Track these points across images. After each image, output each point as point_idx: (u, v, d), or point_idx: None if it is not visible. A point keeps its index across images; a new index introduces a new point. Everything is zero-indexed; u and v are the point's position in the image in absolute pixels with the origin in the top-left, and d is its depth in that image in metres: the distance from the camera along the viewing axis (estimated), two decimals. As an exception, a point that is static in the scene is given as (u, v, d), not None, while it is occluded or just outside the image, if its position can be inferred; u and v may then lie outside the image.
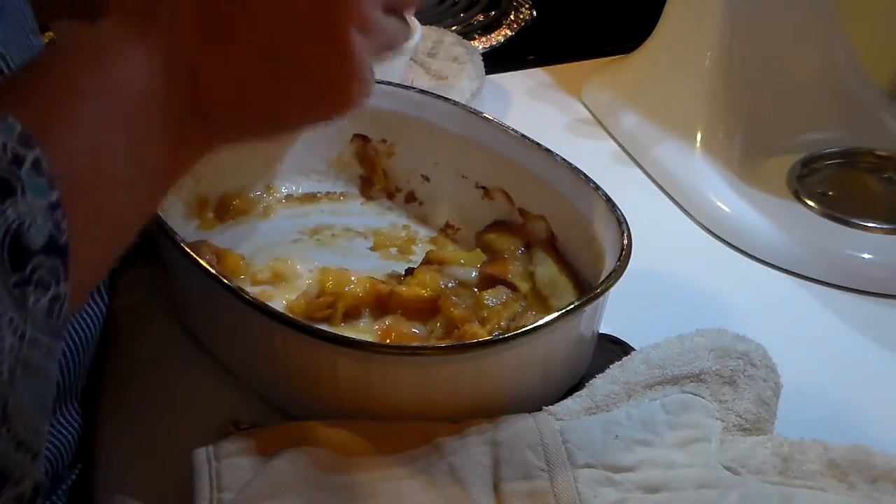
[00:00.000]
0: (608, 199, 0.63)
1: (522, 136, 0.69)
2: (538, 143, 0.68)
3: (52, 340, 0.38)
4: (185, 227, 0.70)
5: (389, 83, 0.75)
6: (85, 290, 0.45)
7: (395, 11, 0.51)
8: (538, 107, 0.96)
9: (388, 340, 0.62)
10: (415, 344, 0.61)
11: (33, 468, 0.38)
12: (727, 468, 0.52)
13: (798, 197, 0.78)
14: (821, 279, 0.73)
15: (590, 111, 0.94)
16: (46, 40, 0.78)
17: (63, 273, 0.37)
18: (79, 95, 0.41)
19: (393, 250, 0.72)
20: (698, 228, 0.79)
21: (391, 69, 0.82)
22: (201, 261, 0.57)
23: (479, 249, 0.69)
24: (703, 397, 0.55)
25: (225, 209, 0.73)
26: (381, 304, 0.65)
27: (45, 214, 0.36)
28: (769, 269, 0.74)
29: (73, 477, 0.57)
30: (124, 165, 0.42)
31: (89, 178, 0.40)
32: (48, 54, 0.47)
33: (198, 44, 0.43)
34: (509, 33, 1.07)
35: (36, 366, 0.37)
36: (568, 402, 0.56)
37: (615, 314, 0.61)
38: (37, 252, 0.36)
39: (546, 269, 0.66)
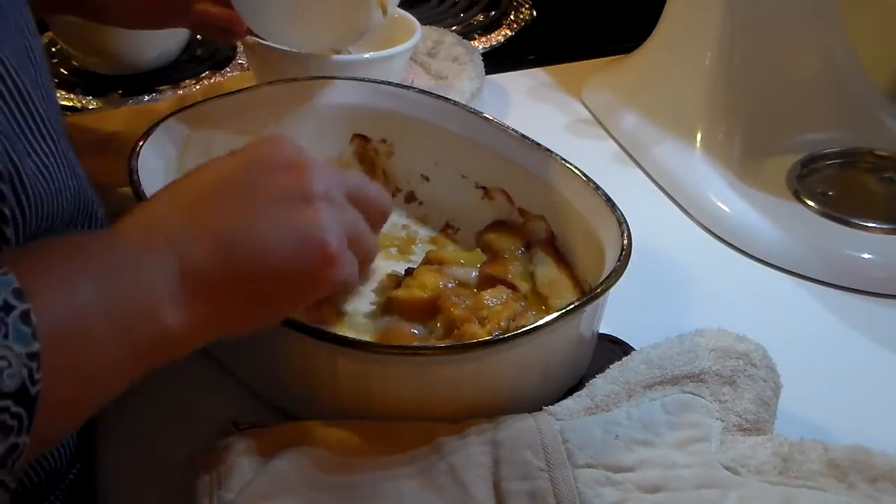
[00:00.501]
0: (608, 199, 0.63)
1: (522, 136, 0.69)
2: (538, 143, 0.68)
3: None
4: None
5: (389, 83, 0.75)
6: (48, 440, 0.44)
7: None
8: (538, 107, 0.96)
9: (388, 341, 0.62)
10: (415, 344, 0.61)
11: None
12: (727, 468, 0.52)
13: (798, 197, 0.78)
14: (821, 279, 0.73)
15: (590, 111, 0.94)
16: (46, 41, 0.78)
17: (26, 424, 0.38)
18: (81, 268, 0.43)
19: (393, 250, 0.72)
20: (698, 228, 0.79)
21: (391, 69, 0.82)
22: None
23: (479, 249, 0.69)
24: (703, 397, 0.55)
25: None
26: (381, 305, 0.65)
27: (22, 362, 0.37)
28: (769, 269, 0.75)
29: (71, 476, 0.57)
30: (105, 334, 0.43)
31: (71, 336, 0.41)
32: (67, 236, 0.50)
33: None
34: (509, 33, 1.07)
35: None
36: (568, 402, 0.56)
37: (615, 314, 0.61)
38: (4, 395, 0.37)
39: (546, 269, 0.66)
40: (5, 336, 0.37)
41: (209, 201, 0.49)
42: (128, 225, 0.47)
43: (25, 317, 0.38)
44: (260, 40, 0.79)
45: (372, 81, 0.75)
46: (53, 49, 1.01)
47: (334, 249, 0.49)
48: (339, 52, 0.81)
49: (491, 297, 0.63)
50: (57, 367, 0.39)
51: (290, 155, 0.51)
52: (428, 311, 0.63)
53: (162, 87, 0.96)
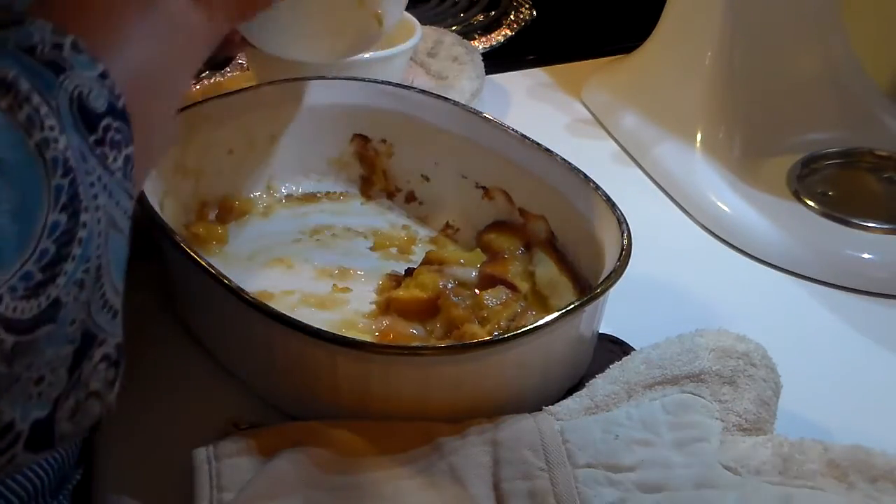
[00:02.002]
0: (608, 199, 0.63)
1: (522, 136, 0.69)
2: (538, 143, 0.68)
3: (128, 200, 0.41)
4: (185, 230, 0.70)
5: (389, 83, 0.75)
6: (141, 176, 0.46)
7: None
8: (538, 107, 0.96)
9: (387, 340, 0.62)
10: (414, 344, 0.61)
11: (115, 328, 0.41)
12: (727, 468, 0.52)
13: (798, 197, 0.78)
14: (821, 279, 0.73)
15: (590, 111, 0.94)
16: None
17: (128, 134, 0.41)
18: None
19: (393, 250, 0.72)
20: (698, 228, 0.79)
21: (391, 69, 0.82)
22: (201, 261, 0.57)
23: (479, 249, 0.69)
24: (703, 397, 0.55)
25: (227, 211, 0.73)
26: (381, 305, 0.65)
27: (99, 83, 0.40)
28: (769, 269, 0.74)
29: (78, 477, 0.57)
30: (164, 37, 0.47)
31: (133, 62, 0.44)
32: None
33: None
34: (509, 33, 1.07)
35: (120, 225, 0.41)
36: (568, 402, 0.56)
37: (615, 314, 0.61)
38: (103, 115, 0.40)
39: (546, 269, 0.66)
40: (72, 67, 0.39)
41: None
42: None
43: (75, 46, 0.40)
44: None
45: (372, 81, 0.75)
46: (53, 49, 1.01)
47: None
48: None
49: (491, 297, 0.63)
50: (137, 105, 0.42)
51: None
52: (428, 311, 0.63)
53: (162, 87, 0.96)
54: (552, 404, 0.56)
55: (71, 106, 0.39)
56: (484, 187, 0.72)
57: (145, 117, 0.44)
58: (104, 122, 0.40)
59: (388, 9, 0.72)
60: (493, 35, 1.07)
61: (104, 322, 0.40)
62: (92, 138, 0.39)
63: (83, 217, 0.38)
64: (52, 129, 0.37)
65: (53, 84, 0.39)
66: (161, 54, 0.47)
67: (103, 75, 0.41)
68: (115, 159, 0.40)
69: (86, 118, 0.39)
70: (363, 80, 0.75)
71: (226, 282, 0.56)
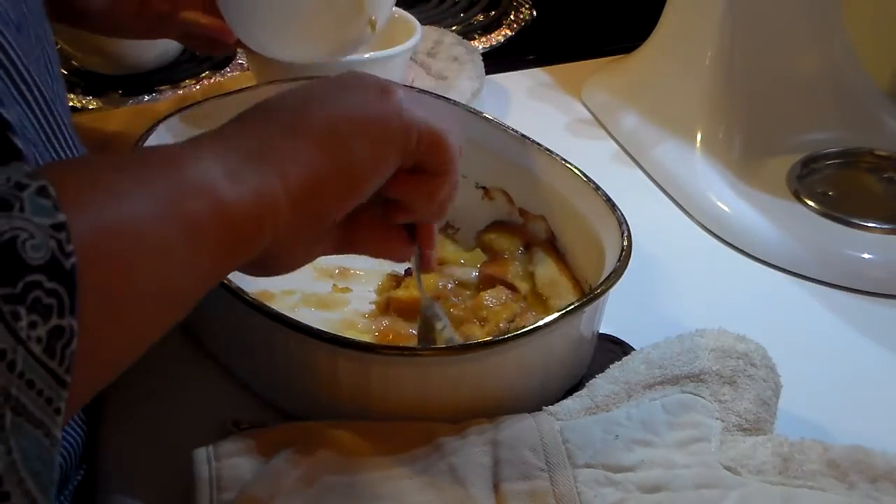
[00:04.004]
0: (608, 200, 0.63)
1: (522, 136, 0.69)
2: (538, 143, 0.68)
3: (51, 386, 0.32)
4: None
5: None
6: (90, 368, 0.36)
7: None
8: (538, 107, 0.96)
9: (387, 341, 0.62)
10: (414, 345, 0.61)
11: None
12: (727, 468, 0.52)
13: (798, 197, 0.78)
14: (821, 279, 0.73)
15: (590, 111, 0.94)
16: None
17: (68, 303, 0.33)
18: (116, 169, 0.39)
19: (393, 250, 0.72)
20: (698, 228, 0.79)
21: (391, 69, 0.82)
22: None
23: (478, 249, 0.69)
24: (703, 397, 0.55)
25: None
26: (381, 305, 0.65)
27: (46, 232, 0.33)
28: (769, 269, 0.74)
29: (79, 478, 0.57)
30: (155, 220, 0.38)
31: (114, 243, 0.36)
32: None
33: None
34: (509, 33, 1.07)
35: (32, 417, 0.32)
36: (568, 402, 0.56)
37: (615, 314, 0.61)
38: (33, 269, 0.32)
39: (546, 269, 0.66)
40: (21, 209, 0.33)
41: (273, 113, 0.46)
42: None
43: (42, 190, 0.33)
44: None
45: (372, 81, 0.75)
46: (53, 49, 1.01)
47: (406, 102, 0.48)
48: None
49: (490, 297, 0.63)
50: (104, 272, 0.35)
51: (381, 81, 0.49)
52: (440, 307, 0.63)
53: (162, 87, 0.96)
54: (552, 404, 0.56)
55: None
56: (484, 187, 0.72)
57: (122, 289, 0.36)
58: (30, 278, 0.32)
59: (381, 14, 0.72)
60: (493, 35, 1.07)
61: None
62: (2, 291, 0.31)
63: None
64: None
65: None
66: (160, 224, 0.38)
67: (58, 226, 0.33)
68: (32, 325, 0.32)
69: (4, 265, 0.32)
70: (363, 80, 0.75)
71: (226, 282, 0.56)
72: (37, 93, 0.47)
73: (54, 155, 0.47)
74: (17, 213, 0.32)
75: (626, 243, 0.59)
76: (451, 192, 0.52)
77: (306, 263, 0.50)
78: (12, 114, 0.39)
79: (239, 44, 0.75)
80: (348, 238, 0.51)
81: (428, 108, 0.49)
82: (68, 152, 0.48)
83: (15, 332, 0.32)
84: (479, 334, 0.60)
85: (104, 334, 0.35)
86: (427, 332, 0.60)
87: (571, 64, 1.02)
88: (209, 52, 0.89)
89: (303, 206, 0.44)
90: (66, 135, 0.49)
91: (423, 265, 0.56)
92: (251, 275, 0.50)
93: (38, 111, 0.47)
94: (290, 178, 0.44)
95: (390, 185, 0.49)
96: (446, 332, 0.59)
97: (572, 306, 0.55)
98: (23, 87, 0.46)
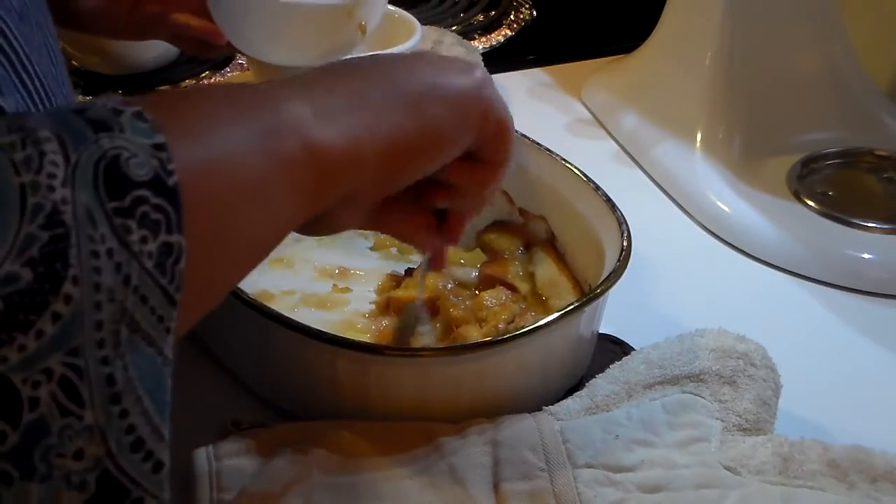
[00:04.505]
0: (608, 200, 0.63)
1: (522, 136, 0.69)
2: (538, 143, 0.68)
3: (162, 303, 0.32)
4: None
5: (389, 83, 0.75)
6: (197, 285, 0.35)
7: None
8: (538, 107, 0.96)
9: (386, 341, 0.62)
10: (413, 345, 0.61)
11: (157, 485, 0.32)
12: (727, 468, 0.52)
13: (798, 197, 0.78)
14: (821, 279, 0.73)
15: (590, 111, 0.94)
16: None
17: (175, 220, 0.33)
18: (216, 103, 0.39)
19: (393, 250, 0.72)
20: (698, 228, 0.79)
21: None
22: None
23: (478, 249, 0.69)
24: (703, 397, 0.55)
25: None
26: (381, 305, 0.65)
27: (148, 152, 0.33)
28: (769, 269, 0.74)
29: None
30: (250, 156, 0.39)
31: (213, 171, 0.37)
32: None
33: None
34: (509, 33, 1.07)
35: (145, 334, 0.32)
36: (568, 402, 0.56)
37: (615, 314, 0.61)
38: (139, 184, 0.32)
39: (546, 269, 0.66)
40: (121, 130, 0.33)
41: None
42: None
43: (139, 115, 0.34)
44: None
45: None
46: (53, 49, 1.01)
47: (487, 81, 0.49)
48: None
49: (490, 297, 0.63)
50: (205, 197, 0.35)
51: (462, 59, 0.50)
52: (427, 311, 0.63)
53: (162, 87, 0.96)
54: (552, 404, 0.56)
55: (98, 163, 0.32)
56: (484, 187, 0.72)
57: (218, 219, 0.36)
58: (137, 193, 0.32)
59: (371, 19, 0.72)
60: (493, 35, 1.07)
61: (137, 472, 0.31)
62: (112, 204, 0.32)
63: (67, 287, 0.30)
64: (51, 176, 0.31)
65: (86, 139, 0.32)
66: (255, 161, 0.39)
67: (158, 146, 0.33)
68: (143, 240, 0.32)
69: (111, 180, 0.32)
70: (363, 80, 0.75)
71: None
72: (37, 82, 0.47)
73: None
74: (117, 134, 0.33)
75: (625, 243, 0.59)
76: (500, 185, 0.53)
77: (345, 230, 0.50)
78: (10, 101, 0.39)
79: (230, 46, 0.75)
80: (380, 215, 0.51)
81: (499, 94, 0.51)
82: None
83: (128, 245, 0.32)
84: (478, 335, 0.60)
85: (206, 257, 0.35)
86: (404, 335, 0.60)
87: (571, 64, 1.02)
88: (200, 54, 0.89)
89: (387, 162, 0.44)
90: None
91: (437, 263, 0.56)
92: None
93: (37, 99, 0.47)
94: (379, 132, 0.44)
95: (448, 166, 0.49)
96: (426, 339, 0.59)
97: (572, 306, 0.55)
98: (24, 74, 0.46)
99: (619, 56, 0.98)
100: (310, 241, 0.72)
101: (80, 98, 0.94)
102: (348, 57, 0.50)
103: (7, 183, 0.30)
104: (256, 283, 0.66)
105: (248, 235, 0.39)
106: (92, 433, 0.30)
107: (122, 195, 0.32)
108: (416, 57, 0.50)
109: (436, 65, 0.49)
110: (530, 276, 0.67)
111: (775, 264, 0.74)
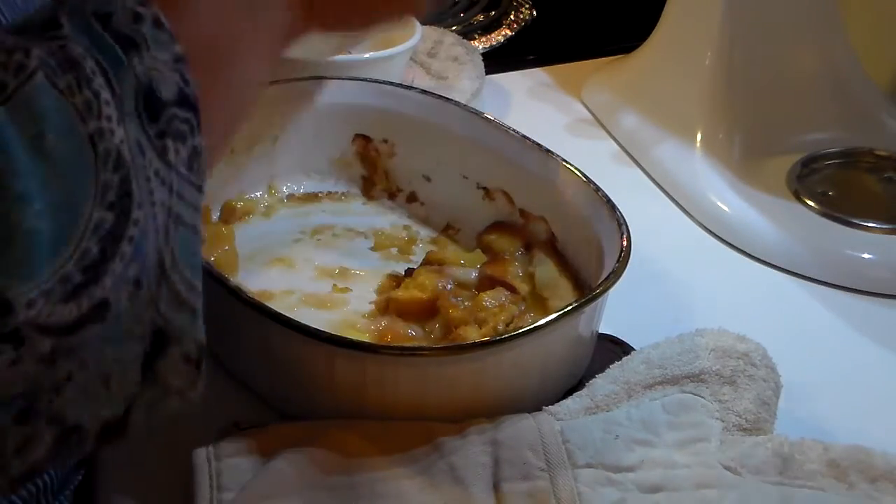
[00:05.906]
0: (608, 201, 0.63)
1: (523, 136, 0.69)
2: (538, 144, 0.68)
3: (194, 195, 0.39)
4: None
5: (390, 83, 0.75)
6: (214, 155, 0.43)
7: None
8: (538, 107, 0.96)
9: (385, 341, 0.62)
10: (413, 345, 0.61)
11: (194, 326, 0.39)
12: (727, 468, 0.52)
13: (798, 197, 0.78)
14: (821, 279, 0.73)
15: (590, 111, 0.94)
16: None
17: (196, 124, 0.38)
18: None
19: (393, 250, 0.72)
20: (698, 228, 0.79)
21: (391, 69, 0.82)
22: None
23: (479, 250, 0.69)
24: (703, 397, 0.55)
25: (230, 212, 0.73)
26: (380, 305, 0.65)
27: (171, 67, 0.37)
28: (769, 269, 0.74)
29: (79, 478, 0.57)
30: (248, 31, 0.44)
31: (214, 39, 0.42)
32: None
33: None
34: (509, 33, 1.07)
35: (186, 220, 0.38)
36: (568, 402, 0.56)
37: (615, 314, 0.61)
38: (169, 104, 0.37)
39: (546, 269, 0.66)
40: (147, 48, 0.37)
41: None
42: None
43: (157, 22, 0.37)
44: None
45: (372, 81, 0.75)
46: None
47: None
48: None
49: (490, 298, 0.63)
50: (206, 67, 0.40)
51: None
52: (427, 312, 0.63)
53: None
54: (552, 404, 0.56)
55: (137, 93, 0.36)
56: (485, 188, 0.72)
57: (211, 99, 0.41)
58: (169, 112, 0.37)
59: None
60: (493, 35, 1.07)
61: (179, 320, 0.38)
62: (154, 130, 0.37)
63: (135, 214, 0.36)
64: (109, 118, 0.35)
65: (122, 64, 0.36)
66: (237, 32, 0.44)
67: (178, 59, 0.38)
68: (177, 152, 0.37)
69: (150, 107, 0.37)
70: (363, 80, 0.75)
71: (225, 282, 0.56)
72: None
73: None
74: (146, 54, 0.37)
75: (625, 243, 0.59)
76: None
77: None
78: None
79: None
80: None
81: None
82: None
83: (168, 161, 0.37)
84: (477, 336, 0.60)
85: (212, 129, 0.40)
86: None
87: (571, 64, 1.02)
88: None
89: None
90: None
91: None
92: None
93: None
94: None
95: None
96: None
97: (571, 306, 0.55)
98: None
99: (619, 56, 0.98)
100: (310, 241, 0.72)
101: None
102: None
103: (79, 135, 0.34)
104: (256, 283, 0.66)
105: (242, 90, 0.45)
106: (148, 303, 0.37)
107: (159, 117, 0.37)
108: None
109: None
110: (530, 277, 0.67)
111: (775, 264, 0.74)
